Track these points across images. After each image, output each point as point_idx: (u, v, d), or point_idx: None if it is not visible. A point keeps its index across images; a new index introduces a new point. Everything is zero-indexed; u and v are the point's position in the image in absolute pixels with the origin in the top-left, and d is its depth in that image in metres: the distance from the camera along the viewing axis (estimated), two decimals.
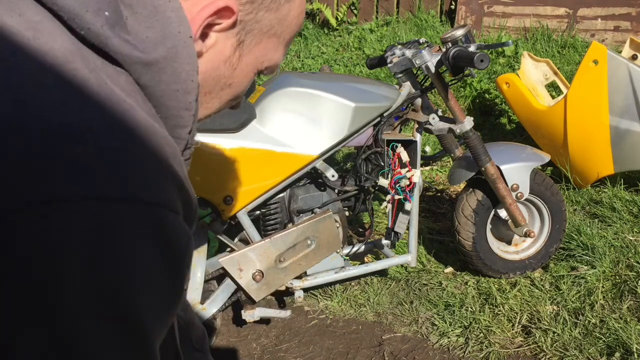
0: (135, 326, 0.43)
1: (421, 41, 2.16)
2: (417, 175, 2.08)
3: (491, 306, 2.23)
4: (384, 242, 2.26)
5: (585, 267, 2.35)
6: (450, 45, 1.91)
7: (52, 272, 0.39)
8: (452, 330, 2.13)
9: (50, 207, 0.39)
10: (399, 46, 2.15)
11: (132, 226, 0.42)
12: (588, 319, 2.07)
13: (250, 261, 1.78)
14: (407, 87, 2.07)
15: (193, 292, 1.93)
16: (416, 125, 2.15)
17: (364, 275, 2.42)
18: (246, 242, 1.99)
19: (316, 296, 2.40)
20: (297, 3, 0.62)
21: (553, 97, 3.35)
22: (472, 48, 1.93)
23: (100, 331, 0.41)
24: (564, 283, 2.28)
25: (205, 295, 1.98)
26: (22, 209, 0.38)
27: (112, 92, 0.45)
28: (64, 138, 0.41)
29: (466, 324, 2.15)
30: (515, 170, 2.22)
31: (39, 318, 0.39)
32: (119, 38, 0.47)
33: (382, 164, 2.05)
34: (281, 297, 2.37)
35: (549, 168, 3.11)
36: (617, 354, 1.90)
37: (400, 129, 2.19)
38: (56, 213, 0.39)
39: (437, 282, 2.43)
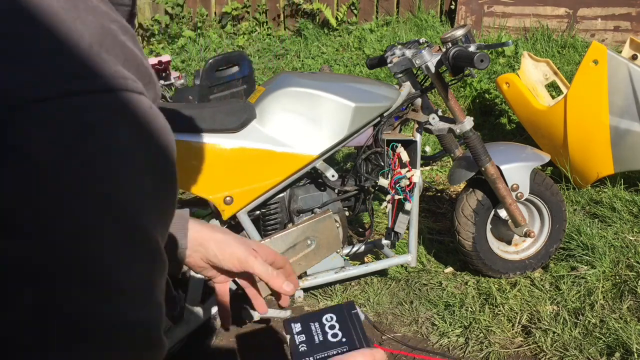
0: (127, 215, 0.41)
1: (421, 41, 2.16)
2: (417, 175, 2.08)
3: (491, 306, 2.23)
4: (384, 242, 2.26)
5: (585, 267, 2.35)
6: (450, 45, 1.91)
7: (36, 167, 0.37)
8: (452, 330, 2.13)
9: (25, 109, 0.37)
10: (399, 46, 2.15)
11: (104, 115, 0.40)
12: (588, 319, 2.07)
13: None
14: (407, 87, 2.07)
15: (193, 292, 1.93)
16: (416, 125, 2.15)
17: (364, 275, 2.42)
18: None
19: (316, 296, 2.40)
20: None
21: (553, 97, 3.35)
22: (472, 48, 1.93)
23: (87, 218, 0.39)
24: (564, 283, 2.28)
25: (206, 295, 1.98)
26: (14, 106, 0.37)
27: None
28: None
29: (466, 324, 2.15)
30: (515, 170, 2.22)
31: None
32: None
33: (382, 164, 2.05)
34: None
35: (549, 168, 3.11)
36: (617, 354, 1.90)
37: (400, 129, 2.19)
38: (30, 113, 0.37)
39: (437, 282, 2.43)
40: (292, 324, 0.77)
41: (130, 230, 0.41)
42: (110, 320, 0.41)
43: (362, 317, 0.80)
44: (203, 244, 0.77)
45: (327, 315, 0.79)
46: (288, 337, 0.78)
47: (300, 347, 0.77)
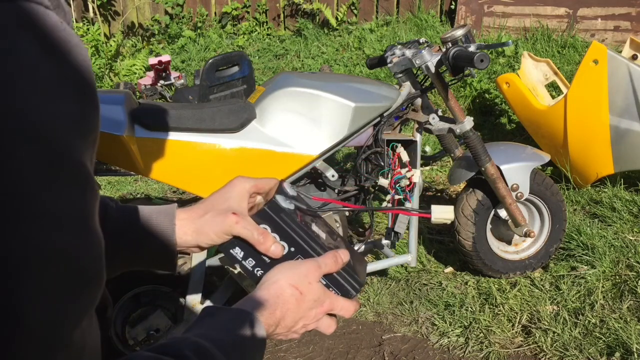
0: (40, 132, 0.38)
1: (421, 41, 2.16)
2: (417, 175, 2.08)
3: (491, 306, 2.23)
4: (384, 242, 2.25)
5: (585, 267, 2.35)
6: (450, 45, 1.91)
7: None
8: (452, 330, 2.13)
9: None
10: (399, 46, 2.15)
11: (4, 23, 0.37)
12: (588, 319, 2.07)
13: None
14: (407, 87, 2.07)
15: (193, 292, 1.93)
16: (416, 125, 2.15)
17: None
18: None
19: None
20: None
21: (553, 97, 3.35)
22: (472, 48, 1.93)
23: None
24: (564, 283, 2.28)
25: (206, 295, 1.98)
26: None
27: None
28: None
29: (466, 324, 2.15)
30: (515, 170, 2.22)
31: None
32: None
33: (382, 164, 2.05)
34: None
35: (549, 168, 3.11)
36: (617, 354, 1.90)
37: (400, 129, 2.19)
38: None
39: (437, 282, 2.43)
40: (232, 251, 0.75)
41: (47, 149, 0.38)
42: (37, 249, 0.38)
43: (291, 207, 0.76)
44: (193, 238, 0.77)
45: (261, 227, 0.75)
46: (236, 266, 0.75)
47: (256, 271, 0.75)
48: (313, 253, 0.75)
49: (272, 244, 0.74)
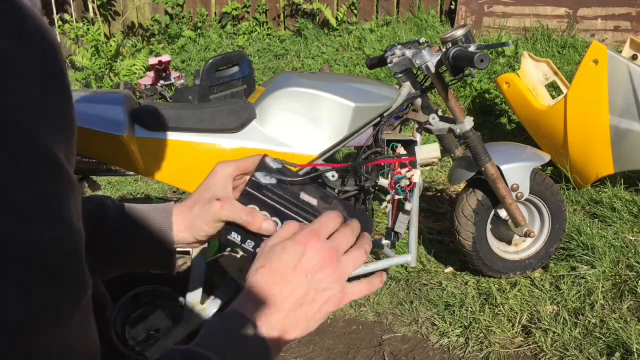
0: (9, 123, 0.36)
1: (421, 41, 2.16)
2: (417, 175, 2.08)
3: (491, 306, 2.23)
4: (384, 242, 2.25)
5: (585, 267, 2.35)
6: (450, 45, 1.91)
7: None
8: (452, 330, 2.13)
9: None
10: (399, 46, 2.15)
11: None
12: (588, 319, 2.07)
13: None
14: (407, 87, 2.07)
15: (193, 292, 1.93)
16: (416, 125, 2.15)
17: (364, 275, 2.42)
18: None
19: None
20: None
21: (553, 97, 3.35)
22: (472, 48, 1.93)
23: None
24: (564, 283, 2.28)
25: (205, 295, 1.98)
26: None
27: None
28: None
29: (466, 324, 2.15)
30: (515, 170, 2.22)
31: None
32: None
33: (382, 164, 2.05)
34: None
35: (549, 168, 3.11)
36: (617, 354, 1.90)
37: (400, 129, 2.19)
38: None
39: (437, 282, 2.43)
40: (229, 237, 0.74)
41: (12, 137, 0.36)
42: (1, 242, 0.35)
43: (273, 181, 0.75)
44: (188, 233, 0.77)
45: (249, 207, 0.74)
46: (238, 250, 0.74)
47: (258, 252, 0.73)
48: (306, 222, 0.73)
49: (262, 222, 0.73)
